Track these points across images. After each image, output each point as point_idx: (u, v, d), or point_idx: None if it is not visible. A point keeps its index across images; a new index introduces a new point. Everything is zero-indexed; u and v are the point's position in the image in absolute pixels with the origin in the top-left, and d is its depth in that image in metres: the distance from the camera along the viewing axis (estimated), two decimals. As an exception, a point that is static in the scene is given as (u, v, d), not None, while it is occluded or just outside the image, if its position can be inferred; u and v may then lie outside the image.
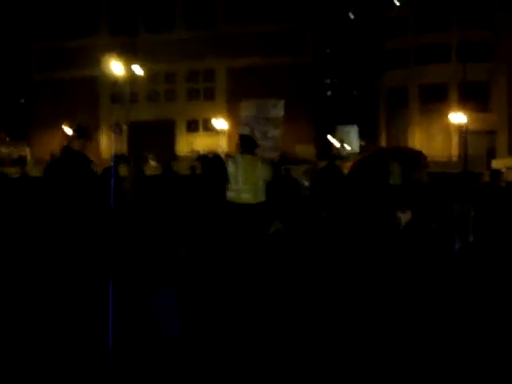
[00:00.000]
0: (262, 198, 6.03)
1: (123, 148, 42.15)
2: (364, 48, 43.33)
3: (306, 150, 37.82)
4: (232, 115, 41.23)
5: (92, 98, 42.64)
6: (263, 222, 6.05)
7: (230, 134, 41.79)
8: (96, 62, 37.51)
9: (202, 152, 41.74)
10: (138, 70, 36.79)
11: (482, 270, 5.66)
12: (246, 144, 6.26)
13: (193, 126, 43.61)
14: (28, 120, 46.99)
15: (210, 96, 43.29)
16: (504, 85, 36.71)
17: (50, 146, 46.50)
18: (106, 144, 43.77)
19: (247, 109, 8.99)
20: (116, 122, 40.33)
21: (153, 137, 40.35)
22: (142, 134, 40.69)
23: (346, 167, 13.50)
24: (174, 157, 37.75)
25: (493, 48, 37.06)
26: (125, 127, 39.32)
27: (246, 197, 5.97)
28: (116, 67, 32.94)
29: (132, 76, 39.69)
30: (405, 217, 5.32)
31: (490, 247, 5.90)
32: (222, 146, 41.18)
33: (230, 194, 6.04)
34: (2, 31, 44.20)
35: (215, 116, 41.10)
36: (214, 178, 6.77)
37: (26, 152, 48.63)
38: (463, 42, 35.66)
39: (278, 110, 8.55)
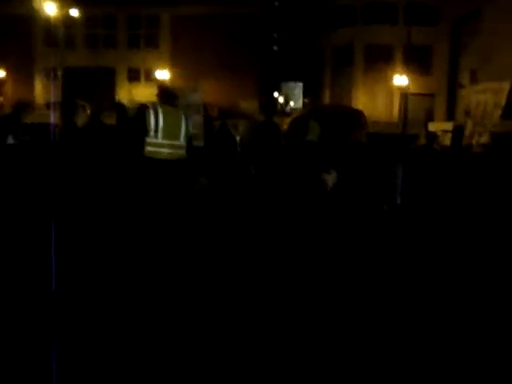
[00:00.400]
0: (183, 153, 5.78)
1: (58, 95, 40.16)
2: (312, 3, 42.64)
3: (250, 106, 37.25)
4: (175, 65, 39.93)
5: (25, 39, 39.99)
6: (184, 179, 5.75)
7: (173, 85, 40.60)
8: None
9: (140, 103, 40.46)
10: (74, 11, 34.63)
11: (407, 232, 5.67)
12: (165, 95, 5.94)
13: (134, 75, 41.92)
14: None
15: (152, 44, 41.55)
16: (446, 49, 37.18)
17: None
18: (41, 89, 41.56)
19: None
20: (51, 66, 38.13)
21: (91, 85, 38.51)
22: (79, 81, 38.78)
23: (286, 124, 13.31)
24: (109, 106, 36.31)
25: (439, 12, 37.28)
26: (60, 72, 37.21)
27: (166, 152, 5.64)
28: (50, 7, 30.84)
29: (68, 18, 37.41)
30: (331, 178, 5.09)
31: (416, 210, 5.89)
32: (164, 97, 40.01)
33: (148, 149, 5.66)
34: None
35: (158, 66, 39.65)
36: (130, 130, 6.36)
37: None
38: (410, 4, 35.67)
39: (198, 95, 8.40)
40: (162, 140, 5.63)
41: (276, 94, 59.60)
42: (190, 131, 5.94)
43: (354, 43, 39.05)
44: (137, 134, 5.79)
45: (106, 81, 40.63)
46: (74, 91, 39.08)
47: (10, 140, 11.79)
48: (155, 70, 39.89)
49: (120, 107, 9.01)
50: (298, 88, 61.32)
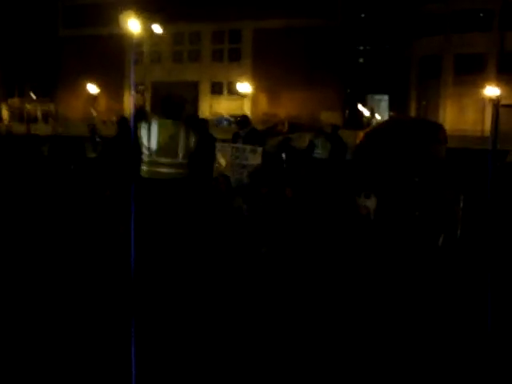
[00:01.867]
0: (184, 172, 5.00)
1: (147, 108, 41.69)
2: (399, 12, 41.27)
3: (331, 118, 36.59)
4: (257, 78, 40.11)
5: (117, 56, 41.91)
6: (189, 200, 5.10)
7: (254, 98, 40.80)
8: (121, 19, 36.59)
9: (226, 116, 41.05)
10: (159, 29, 35.81)
11: (467, 271, 4.47)
12: (166, 104, 5.02)
13: (217, 88, 42.64)
14: (53, 77, 46.71)
15: (235, 58, 42.09)
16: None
17: (74, 103, 46.52)
18: (129, 103, 43.33)
19: (222, 153, 7.87)
20: (139, 81, 39.71)
21: (176, 98, 39.54)
22: (164, 94, 39.97)
23: (359, 138, 12.61)
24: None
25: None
26: (143, 87, 38.59)
27: (163, 171, 4.94)
28: (137, 26, 32.02)
29: (155, 35, 38.83)
30: (369, 204, 4.33)
31: (481, 243, 4.61)
32: (246, 109, 40.29)
33: (143, 168, 4.95)
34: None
35: (240, 79, 40.04)
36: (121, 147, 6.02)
37: (51, 108, 48.65)
38: (506, 8, 33.39)
39: (257, 157, 7.47)
40: (157, 158, 4.93)
41: (361, 107, 58.34)
42: (193, 146, 5.05)
43: (442, 53, 37.29)
44: (127, 152, 5.20)
45: (189, 94, 41.60)
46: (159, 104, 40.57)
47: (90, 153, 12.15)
48: (237, 83, 40.32)
49: (122, 120, 8.34)
50: (383, 101, 59.56)
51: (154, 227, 4.72)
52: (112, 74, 41.91)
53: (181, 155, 4.93)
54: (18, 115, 49.23)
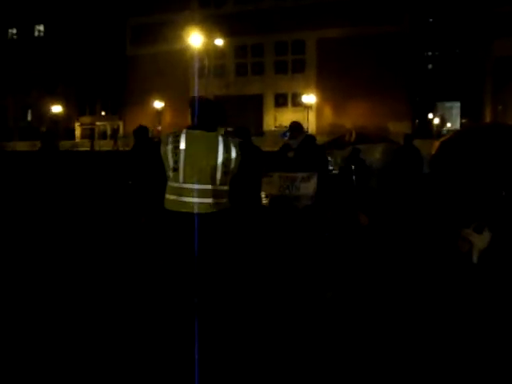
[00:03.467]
0: (222, 201, 3.64)
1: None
2: (471, 13, 39.21)
3: (399, 128, 35.11)
4: (322, 89, 39.24)
5: (181, 71, 42.35)
6: (232, 242, 3.80)
7: (319, 109, 39.94)
8: (185, 35, 36.95)
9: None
10: (222, 42, 35.84)
11: None
12: (201, 111, 3.64)
13: (281, 101, 42.11)
14: (121, 94, 47.91)
15: (299, 69, 41.41)
16: None
17: (140, 119, 47.47)
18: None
19: (269, 185, 6.37)
20: (203, 95, 39.82)
21: (240, 111, 39.38)
22: (229, 108, 39.93)
23: (434, 148, 11.55)
24: (260, 132, 36.70)
25: None
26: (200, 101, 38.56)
27: (193, 202, 3.57)
28: (199, 40, 32.23)
29: (218, 49, 38.96)
30: (480, 240, 3.24)
31: None
32: (311, 121, 39.49)
33: (168, 197, 3.68)
34: (98, 7, 45.06)
35: (304, 89, 39.33)
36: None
37: (120, 125, 49.95)
38: None
39: (311, 185, 6.02)
40: (183, 183, 3.59)
41: (431, 115, 56.07)
42: (235, 166, 3.69)
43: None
44: (150, 175, 4.36)
45: (253, 107, 41.34)
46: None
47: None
48: (302, 94, 39.62)
49: (141, 130, 6.96)
50: (455, 108, 56.91)
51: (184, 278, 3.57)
52: (176, 89, 42.38)
53: (218, 179, 3.59)
54: (88, 132, 50.96)
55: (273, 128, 39.00)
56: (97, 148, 37.35)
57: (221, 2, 41.90)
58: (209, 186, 3.58)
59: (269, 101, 42.43)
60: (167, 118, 45.06)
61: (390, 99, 36.96)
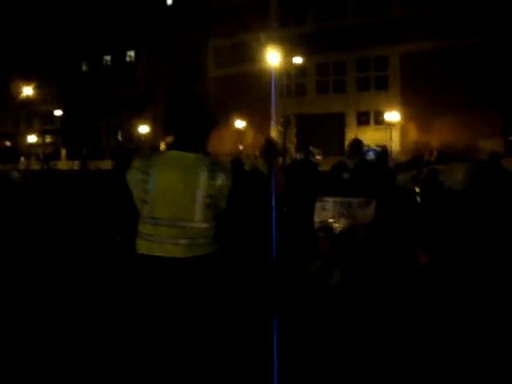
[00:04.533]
0: (203, 243, 2.76)
1: (292, 140, 41.50)
2: None
3: (491, 146, 32.80)
4: (406, 106, 37.70)
5: (262, 91, 42.47)
6: (220, 299, 2.82)
7: (403, 127, 38.39)
8: (265, 55, 37.10)
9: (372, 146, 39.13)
10: (302, 61, 35.51)
11: None
12: (180, 123, 2.85)
13: (363, 119, 40.96)
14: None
15: (382, 86, 40.10)
16: None
17: (223, 139, 48.11)
18: (276, 136, 43.50)
19: (324, 212, 5.56)
20: (284, 114, 39.69)
21: (321, 130, 38.77)
22: (310, 127, 39.53)
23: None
24: (342, 151, 35.75)
25: None
26: (282, 120, 38.44)
27: (165, 243, 2.73)
28: (278, 59, 32.09)
29: (299, 67, 38.72)
30: None
31: None
32: (395, 139, 38.01)
33: (138, 237, 2.82)
34: (180, 30, 46.54)
35: (387, 107, 37.95)
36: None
37: (204, 145, 50.93)
38: None
39: (369, 211, 5.18)
40: (154, 219, 2.76)
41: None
42: (224, 199, 2.78)
43: None
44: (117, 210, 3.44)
45: (335, 126, 40.53)
46: (305, 137, 40.18)
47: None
48: (385, 112, 38.28)
49: (122, 151, 6.14)
50: (556, 122, 52.63)
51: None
52: (257, 108, 42.55)
53: (199, 215, 2.72)
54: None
55: (354, 147, 37.90)
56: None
57: (301, 21, 41.73)
58: (186, 224, 2.71)
59: (351, 119, 41.43)
60: (249, 137, 45.34)
61: (481, 115, 34.69)
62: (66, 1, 53.19)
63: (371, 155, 35.32)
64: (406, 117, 37.79)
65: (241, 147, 44.59)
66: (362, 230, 5.51)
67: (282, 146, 33.92)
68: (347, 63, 40.76)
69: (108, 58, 56.56)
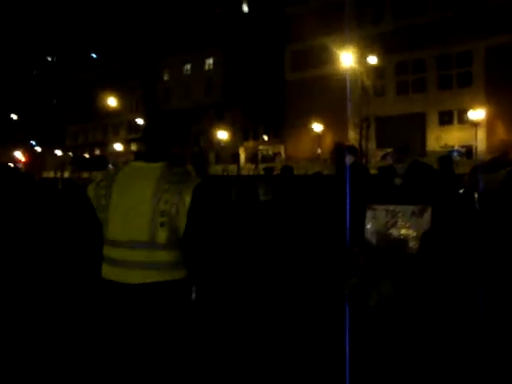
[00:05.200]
0: (165, 268, 2.44)
1: (371, 143, 40.55)
2: None
3: None
4: (492, 102, 35.65)
5: (339, 94, 41.95)
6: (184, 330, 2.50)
7: (489, 125, 36.33)
8: (342, 57, 36.53)
9: (456, 147, 37.31)
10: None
11: None
12: (148, 138, 2.60)
13: (445, 118, 39.18)
14: (281, 118, 49.03)
15: (465, 83, 38.13)
16: None
17: (301, 143, 47.90)
18: (354, 139, 42.76)
19: (374, 221, 5.09)
20: (363, 116, 38.91)
21: (401, 131, 37.55)
22: (389, 128, 38.44)
23: None
24: (423, 152, 34.49)
25: None
26: (357, 123, 37.68)
27: (123, 267, 2.45)
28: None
29: (377, 68, 37.80)
30: None
31: None
32: (480, 138, 36.10)
33: (103, 260, 2.56)
34: (259, 37, 46.93)
35: (471, 105, 36.04)
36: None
37: (281, 150, 51.01)
38: None
39: (425, 221, 4.62)
40: (113, 240, 2.49)
41: None
42: (183, 216, 2.43)
43: None
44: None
45: (415, 126, 39.10)
46: (384, 139, 39.06)
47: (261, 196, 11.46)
48: (469, 110, 36.40)
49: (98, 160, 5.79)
50: None
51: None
52: (335, 111, 42.08)
53: (159, 236, 2.40)
54: (252, 157, 52.95)
55: (437, 148, 36.35)
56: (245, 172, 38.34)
57: (378, 20, 40.69)
58: (143, 246, 2.38)
59: (432, 119, 39.78)
60: (327, 140, 44.86)
61: None
62: (145, 13, 55.38)
63: (456, 156, 33.69)
64: (493, 114, 35.72)
65: (319, 151, 44.17)
66: (415, 243, 5.07)
67: (359, 149, 33.15)
68: (427, 61, 39.19)
69: (188, 66, 58.19)
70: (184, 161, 2.77)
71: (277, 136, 50.91)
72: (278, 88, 47.89)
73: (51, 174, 53.27)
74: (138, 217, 2.42)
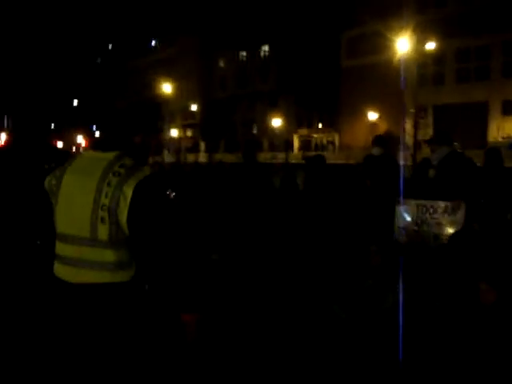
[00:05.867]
0: (108, 268, 2.24)
1: (428, 133, 39.13)
2: None
3: None
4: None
5: (396, 81, 40.62)
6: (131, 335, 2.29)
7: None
8: (399, 43, 35.27)
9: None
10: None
11: None
12: (105, 126, 2.45)
13: (509, 108, 37.17)
14: (336, 106, 48.15)
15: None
16: None
17: (355, 131, 46.86)
18: (410, 129, 41.42)
19: (403, 216, 4.67)
20: (420, 104, 37.51)
21: (460, 121, 36.02)
22: (448, 118, 36.93)
23: None
24: (483, 143, 32.95)
25: None
26: (412, 111, 36.32)
27: (68, 265, 2.29)
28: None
29: (437, 55, 36.32)
30: None
31: None
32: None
33: (55, 258, 2.40)
34: (315, 23, 46.05)
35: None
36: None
37: (335, 138, 50.15)
38: None
39: (455, 221, 4.13)
40: (59, 235, 2.34)
41: None
42: (125, 210, 2.23)
43: None
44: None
45: (476, 116, 37.35)
46: (442, 128, 37.53)
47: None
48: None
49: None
50: None
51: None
52: (391, 99, 40.85)
53: (97, 232, 2.22)
54: (306, 144, 52.42)
55: (499, 139, 34.64)
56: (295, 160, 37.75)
57: (440, 3, 38.92)
58: (85, 242, 2.22)
59: (495, 108, 37.81)
60: (382, 129, 43.71)
61: None
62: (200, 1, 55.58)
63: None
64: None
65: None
66: (445, 244, 4.65)
67: (414, 139, 32.07)
68: (491, 47, 37.18)
69: (244, 53, 58.06)
70: (146, 151, 2.54)
71: (331, 124, 50.09)
72: (332, 75, 46.96)
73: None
74: (80, 211, 2.25)
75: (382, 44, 39.90)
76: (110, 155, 2.31)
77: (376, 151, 6.33)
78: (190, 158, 47.26)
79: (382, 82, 40.76)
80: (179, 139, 60.85)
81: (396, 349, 3.60)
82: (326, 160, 9.46)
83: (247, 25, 53.58)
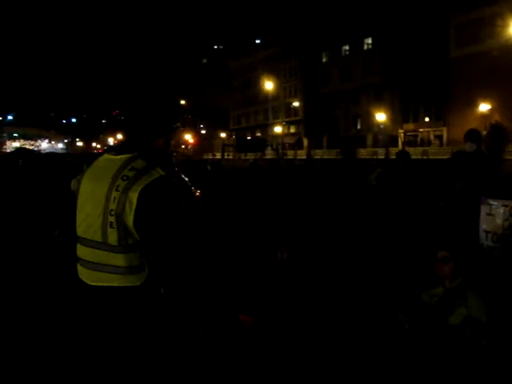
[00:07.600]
0: (119, 271, 2.23)
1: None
2: None
3: None
4: None
5: (509, 70, 37.80)
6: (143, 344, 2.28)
7: None
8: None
9: None
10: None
11: None
12: (125, 127, 2.40)
13: None
14: (444, 99, 45.73)
15: None
16: None
17: (465, 126, 44.16)
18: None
19: (490, 218, 4.17)
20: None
21: None
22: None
23: None
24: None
25: None
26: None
27: (83, 266, 2.34)
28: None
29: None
30: None
31: None
32: None
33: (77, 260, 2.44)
34: (419, 13, 43.96)
35: None
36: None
37: (443, 132, 47.61)
38: None
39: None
40: (79, 238, 2.38)
41: None
42: (132, 215, 2.18)
43: None
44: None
45: None
46: None
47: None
48: None
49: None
50: None
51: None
52: (505, 90, 38.03)
53: (107, 236, 2.23)
54: (411, 139, 50.34)
55: None
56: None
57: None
58: (97, 246, 2.26)
59: None
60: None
61: None
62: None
63: None
64: None
65: (485, 133, 40.40)
66: None
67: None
68: None
69: (346, 47, 57.06)
70: (169, 154, 2.51)
71: (439, 117, 47.65)
72: (440, 66, 44.60)
73: (218, 155, 56.78)
74: (93, 215, 2.28)
75: (494, 30, 37.32)
76: (123, 158, 2.29)
77: (469, 147, 5.93)
78: (290, 154, 47.31)
79: (495, 71, 38.07)
80: (282, 135, 61.24)
81: (459, 372, 3.35)
82: (409, 156, 9.06)
83: (349, 18, 52.58)
